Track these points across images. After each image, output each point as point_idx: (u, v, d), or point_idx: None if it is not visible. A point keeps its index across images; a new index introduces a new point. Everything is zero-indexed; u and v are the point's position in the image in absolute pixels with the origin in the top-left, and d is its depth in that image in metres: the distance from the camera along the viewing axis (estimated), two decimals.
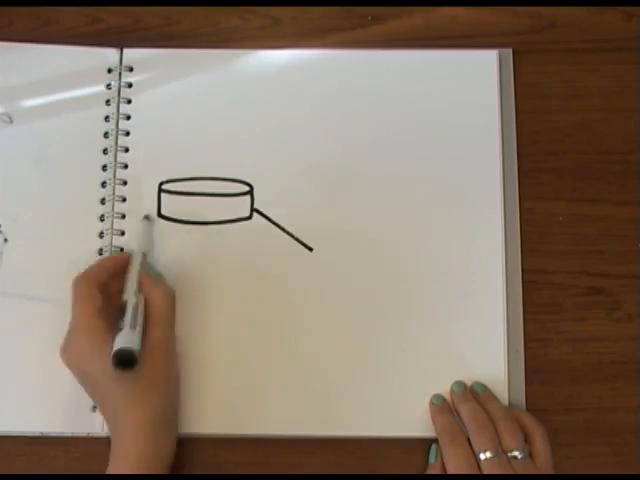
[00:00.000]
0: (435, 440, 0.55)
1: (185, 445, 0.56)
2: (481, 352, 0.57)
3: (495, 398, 0.55)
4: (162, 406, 0.51)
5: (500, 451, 0.52)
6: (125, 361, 0.49)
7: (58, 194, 0.59)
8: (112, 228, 0.59)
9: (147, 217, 0.58)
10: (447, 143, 0.60)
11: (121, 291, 0.54)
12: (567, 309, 0.59)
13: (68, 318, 0.56)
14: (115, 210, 0.59)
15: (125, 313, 0.52)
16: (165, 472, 0.51)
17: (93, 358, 0.51)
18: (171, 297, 0.55)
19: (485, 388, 0.56)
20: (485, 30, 0.63)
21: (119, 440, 0.51)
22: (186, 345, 0.57)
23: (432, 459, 0.55)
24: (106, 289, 0.54)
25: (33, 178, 0.60)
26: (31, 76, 0.62)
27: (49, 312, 0.57)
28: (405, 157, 0.60)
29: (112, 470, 0.50)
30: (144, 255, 0.56)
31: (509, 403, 0.56)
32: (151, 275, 0.55)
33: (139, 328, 0.51)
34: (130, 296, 0.53)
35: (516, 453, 0.52)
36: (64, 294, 0.57)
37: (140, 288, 0.54)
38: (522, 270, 0.59)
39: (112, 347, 0.49)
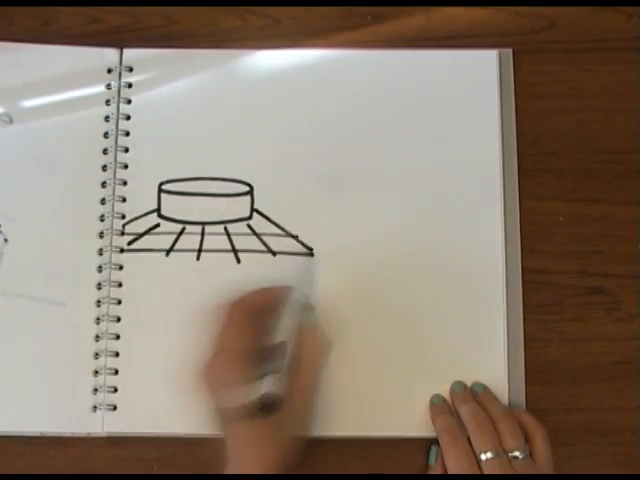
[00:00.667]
0: (435, 440, 0.55)
1: (186, 445, 0.56)
2: (481, 352, 0.57)
3: (495, 398, 0.55)
4: (287, 452, 0.49)
5: (501, 451, 0.52)
6: (266, 406, 0.48)
7: (58, 194, 0.59)
8: (112, 228, 0.59)
9: (311, 253, 0.57)
10: (447, 143, 0.60)
11: (274, 326, 0.52)
12: (567, 309, 0.59)
13: (68, 319, 0.57)
14: (115, 210, 0.59)
15: (278, 353, 0.50)
16: None
17: (236, 388, 0.48)
18: (328, 347, 0.53)
19: (485, 388, 0.56)
20: (485, 30, 0.63)
21: (236, 473, 0.49)
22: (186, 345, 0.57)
23: (432, 460, 0.55)
24: (259, 320, 0.51)
25: (33, 178, 0.60)
26: (31, 76, 0.62)
27: (49, 312, 0.57)
28: (405, 157, 0.60)
29: None
30: (306, 296, 0.55)
31: (509, 403, 0.56)
32: (311, 319, 0.53)
33: (284, 375, 0.50)
34: (289, 339, 0.51)
35: (517, 453, 0.52)
36: (64, 294, 0.58)
37: (298, 330, 0.52)
38: (522, 270, 0.59)
39: (259, 385, 0.48)
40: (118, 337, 0.57)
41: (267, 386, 0.49)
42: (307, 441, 0.52)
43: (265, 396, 0.48)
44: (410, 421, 0.56)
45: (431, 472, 0.54)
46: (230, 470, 0.49)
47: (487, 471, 0.51)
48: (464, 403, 0.54)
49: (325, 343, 0.53)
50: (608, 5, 0.63)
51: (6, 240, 0.59)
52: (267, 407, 0.48)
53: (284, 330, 0.52)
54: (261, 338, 0.51)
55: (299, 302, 0.54)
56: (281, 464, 0.49)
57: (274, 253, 0.59)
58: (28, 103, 0.61)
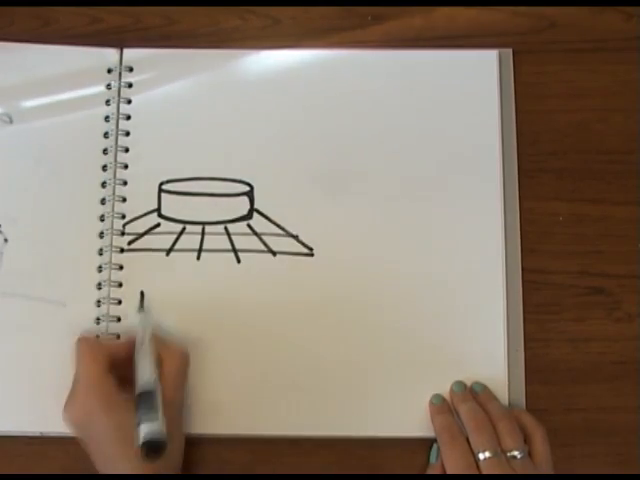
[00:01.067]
0: (435, 440, 0.55)
1: (186, 445, 0.56)
2: (481, 352, 0.57)
3: (495, 398, 0.55)
4: (164, 467, 0.50)
5: (499, 451, 0.52)
6: (154, 448, 0.48)
7: (58, 194, 0.59)
8: (112, 228, 0.59)
9: (142, 308, 0.57)
10: (447, 143, 0.60)
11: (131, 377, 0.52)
12: (567, 309, 0.59)
13: (68, 319, 0.57)
14: (115, 210, 0.59)
15: (143, 398, 0.50)
16: None
17: (100, 418, 0.50)
18: (186, 358, 0.54)
19: (485, 388, 0.56)
20: (485, 30, 0.63)
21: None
22: (187, 346, 0.57)
23: (433, 459, 0.55)
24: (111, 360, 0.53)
25: (33, 178, 0.60)
26: (31, 76, 0.62)
27: (49, 312, 0.57)
28: (405, 157, 0.60)
29: None
30: (150, 329, 0.55)
31: (509, 403, 0.56)
32: (162, 336, 0.55)
33: (161, 412, 0.49)
34: (146, 375, 0.51)
35: (515, 453, 0.52)
36: (64, 294, 0.58)
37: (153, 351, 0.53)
38: (522, 270, 0.59)
39: (139, 434, 0.48)
40: (118, 337, 0.57)
41: (147, 434, 0.48)
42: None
43: (147, 444, 0.47)
44: (410, 421, 0.56)
45: (431, 471, 0.54)
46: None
47: (485, 471, 0.51)
48: (463, 402, 0.54)
49: (181, 354, 0.54)
50: (608, 5, 0.63)
51: (6, 240, 0.59)
52: (151, 450, 0.48)
53: (147, 368, 0.51)
54: (121, 385, 0.52)
55: (149, 336, 0.54)
56: (161, 470, 0.50)
57: (274, 253, 0.59)
58: (28, 103, 0.61)
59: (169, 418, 0.50)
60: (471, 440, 0.52)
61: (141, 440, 0.48)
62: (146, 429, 0.48)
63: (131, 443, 0.48)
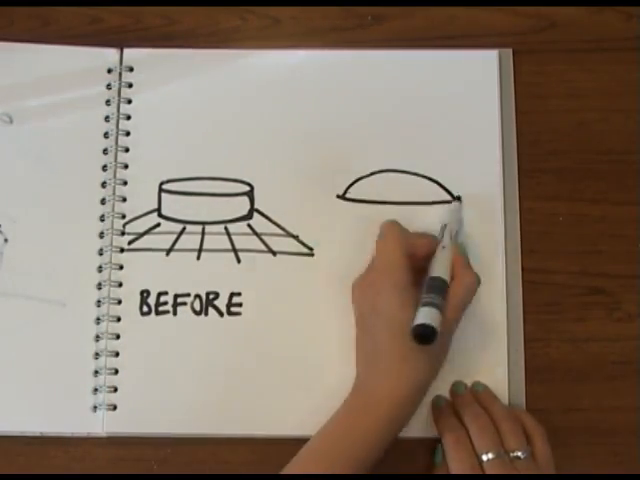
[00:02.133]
0: (439, 441, 0.55)
1: (186, 445, 0.56)
2: (481, 352, 0.57)
3: (496, 398, 0.55)
4: (422, 385, 0.52)
5: (502, 452, 0.52)
6: (424, 337, 0.49)
7: (58, 194, 0.59)
8: (112, 228, 0.59)
9: (459, 198, 0.59)
10: (447, 143, 0.60)
11: (424, 268, 0.54)
12: (567, 309, 0.59)
13: (68, 319, 0.57)
14: (115, 210, 0.59)
15: (434, 288, 0.52)
16: (391, 441, 0.52)
17: (388, 297, 0.52)
18: (477, 283, 0.55)
19: (485, 387, 0.56)
20: (485, 30, 0.63)
21: (369, 391, 0.52)
22: (186, 345, 0.57)
23: (438, 459, 0.55)
24: (413, 257, 0.54)
25: (33, 178, 0.60)
26: (31, 76, 0.62)
27: (49, 312, 0.57)
28: (405, 157, 0.60)
29: (357, 409, 0.52)
30: (455, 235, 0.56)
31: (509, 403, 0.56)
32: (463, 256, 0.55)
33: (442, 310, 0.51)
34: (442, 274, 0.53)
35: (518, 453, 0.52)
36: (64, 294, 0.58)
37: (450, 268, 0.54)
38: (522, 270, 0.59)
39: (415, 316, 0.49)
40: (118, 337, 0.57)
41: (425, 317, 0.49)
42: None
43: (424, 328, 0.49)
44: (411, 421, 0.56)
45: (437, 472, 0.54)
46: (362, 391, 0.52)
47: (489, 471, 0.51)
48: (465, 404, 0.55)
49: (474, 279, 0.54)
50: (608, 5, 0.63)
51: (6, 240, 0.59)
52: (424, 339, 0.49)
53: (442, 268, 0.53)
54: (414, 272, 0.53)
55: (452, 242, 0.55)
56: (419, 386, 0.52)
57: (274, 253, 0.59)
58: (28, 103, 0.61)
59: (442, 338, 0.51)
60: (474, 441, 0.52)
61: (419, 320, 0.49)
62: (427, 312, 0.49)
63: (406, 328, 0.50)
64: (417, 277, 0.54)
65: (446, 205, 0.59)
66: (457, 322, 0.54)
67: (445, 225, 0.57)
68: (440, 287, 0.52)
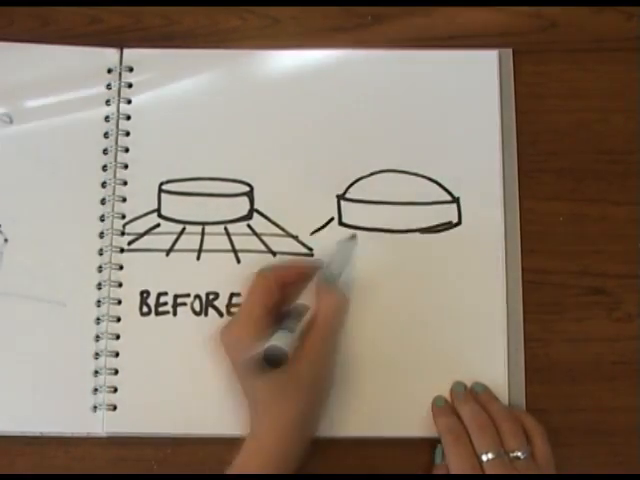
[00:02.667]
0: (437, 440, 0.55)
1: (186, 445, 0.56)
2: (481, 352, 0.57)
3: (496, 398, 0.55)
4: (302, 410, 0.51)
5: (502, 452, 0.52)
6: (273, 359, 0.49)
7: (58, 194, 0.59)
8: (112, 228, 0.59)
9: (354, 236, 0.58)
10: (447, 143, 0.60)
11: (297, 293, 0.54)
12: (567, 309, 0.59)
13: (68, 319, 0.57)
14: (115, 210, 0.59)
15: (291, 314, 0.52)
16: (290, 472, 0.51)
17: (248, 346, 0.51)
18: (343, 305, 0.54)
19: (486, 388, 0.56)
20: (485, 30, 0.63)
21: (255, 433, 0.51)
22: (186, 345, 0.57)
23: (438, 460, 0.55)
24: (284, 290, 0.54)
25: (33, 178, 0.60)
26: (31, 76, 0.62)
27: (49, 312, 0.57)
28: (405, 157, 0.60)
29: (240, 461, 0.51)
30: (326, 264, 0.56)
31: (509, 403, 0.56)
32: (328, 282, 0.54)
33: (298, 333, 0.50)
34: (305, 301, 0.53)
35: (518, 453, 0.52)
36: (64, 294, 0.58)
37: (315, 294, 0.53)
38: (522, 270, 0.59)
39: (267, 339, 0.49)
40: (118, 337, 0.57)
41: (274, 339, 0.49)
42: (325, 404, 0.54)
43: (271, 348, 0.49)
44: (410, 421, 0.56)
45: (436, 472, 0.54)
46: (252, 426, 0.52)
47: (489, 471, 0.51)
48: (465, 404, 0.54)
49: (338, 301, 0.54)
50: (608, 5, 0.63)
51: (6, 240, 0.59)
52: (274, 361, 0.49)
53: (305, 295, 0.53)
54: (282, 305, 0.53)
55: (326, 274, 0.55)
56: (296, 421, 0.51)
57: (274, 253, 0.59)
58: (28, 103, 0.61)
59: (309, 362, 0.51)
60: (474, 441, 0.52)
61: (267, 343, 0.49)
62: (277, 335, 0.49)
63: (269, 376, 0.49)
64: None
65: (339, 240, 0.58)
66: (328, 349, 0.53)
67: (329, 262, 0.56)
68: (299, 312, 0.52)
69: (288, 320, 0.51)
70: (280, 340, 0.49)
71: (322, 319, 0.52)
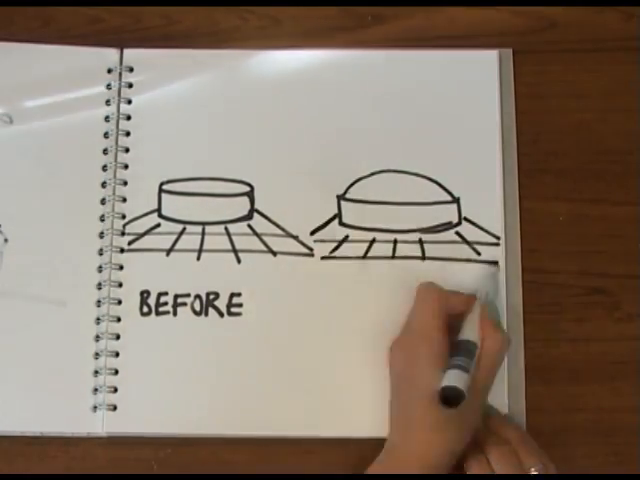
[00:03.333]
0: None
1: (186, 445, 0.56)
2: None
3: (506, 420, 0.55)
4: (454, 452, 0.51)
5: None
6: (450, 400, 0.48)
7: (58, 194, 0.59)
8: (112, 228, 0.59)
9: (496, 263, 0.58)
10: (447, 143, 0.60)
11: (457, 328, 0.53)
12: (567, 309, 0.59)
13: (68, 319, 0.57)
14: (115, 210, 0.59)
15: (463, 351, 0.51)
16: None
17: (424, 366, 0.51)
18: (507, 345, 0.53)
19: (496, 410, 0.55)
20: (485, 30, 0.63)
21: (402, 450, 0.51)
22: (186, 345, 0.57)
23: None
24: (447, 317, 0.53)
25: (33, 178, 0.60)
26: (31, 76, 0.62)
27: (49, 312, 0.57)
28: (405, 157, 0.60)
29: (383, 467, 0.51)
30: (488, 298, 0.55)
31: (509, 403, 0.56)
32: (492, 319, 0.54)
33: (471, 373, 0.50)
34: (472, 337, 0.52)
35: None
36: (64, 294, 0.58)
37: (479, 329, 0.52)
38: (522, 270, 0.59)
39: (443, 377, 0.49)
40: (118, 337, 0.57)
41: (451, 379, 0.49)
42: None
43: (449, 389, 0.49)
44: None
45: None
46: (394, 448, 0.51)
47: None
48: (495, 446, 0.53)
49: (504, 341, 0.53)
50: (608, 5, 0.63)
51: (6, 240, 0.59)
52: (450, 401, 0.49)
53: (471, 330, 0.53)
54: (448, 334, 0.52)
55: (483, 304, 0.54)
56: (452, 452, 0.50)
57: (274, 253, 0.59)
58: (28, 103, 0.61)
59: (474, 403, 0.50)
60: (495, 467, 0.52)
61: (445, 382, 0.49)
62: (454, 375, 0.49)
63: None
64: (450, 336, 0.53)
65: (482, 269, 0.58)
66: (488, 387, 0.53)
67: (482, 289, 0.56)
68: (470, 350, 0.51)
69: (459, 356, 0.50)
70: (458, 381, 0.48)
71: (489, 358, 0.52)
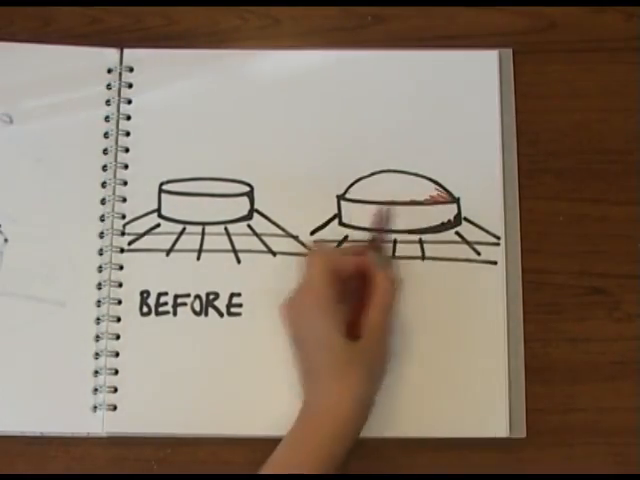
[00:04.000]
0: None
1: (186, 445, 0.56)
2: (481, 352, 0.57)
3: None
4: (363, 398, 0.52)
5: None
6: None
7: (58, 194, 0.59)
8: (112, 228, 0.59)
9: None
10: (447, 143, 0.60)
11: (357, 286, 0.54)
12: (567, 309, 0.59)
13: (68, 319, 0.57)
14: (115, 210, 0.59)
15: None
16: (344, 456, 0.51)
17: (313, 317, 0.52)
18: (396, 284, 0.55)
19: None
20: (485, 30, 0.63)
21: (312, 406, 0.51)
22: (186, 345, 0.57)
23: None
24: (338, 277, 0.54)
25: (33, 178, 0.60)
26: (31, 76, 0.62)
27: (49, 312, 0.57)
28: (405, 157, 0.60)
29: (302, 432, 0.51)
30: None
31: (509, 403, 0.56)
32: (382, 260, 0.55)
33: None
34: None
35: None
36: (64, 294, 0.58)
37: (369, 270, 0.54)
38: (522, 270, 0.59)
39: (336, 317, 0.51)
40: (118, 337, 0.57)
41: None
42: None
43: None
44: (410, 421, 0.56)
45: None
46: (307, 411, 0.51)
47: None
48: None
49: (393, 280, 0.54)
50: (608, 5, 0.63)
51: (6, 240, 0.59)
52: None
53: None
54: (339, 291, 0.53)
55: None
56: (363, 395, 0.51)
57: (274, 253, 0.59)
58: (28, 103, 0.61)
59: (374, 340, 0.52)
60: None
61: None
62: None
63: (335, 348, 0.51)
64: (348, 296, 0.54)
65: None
66: (383, 327, 0.53)
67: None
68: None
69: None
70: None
71: (380, 298, 0.53)
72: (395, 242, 0.59)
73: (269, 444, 0.56)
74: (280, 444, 0.51)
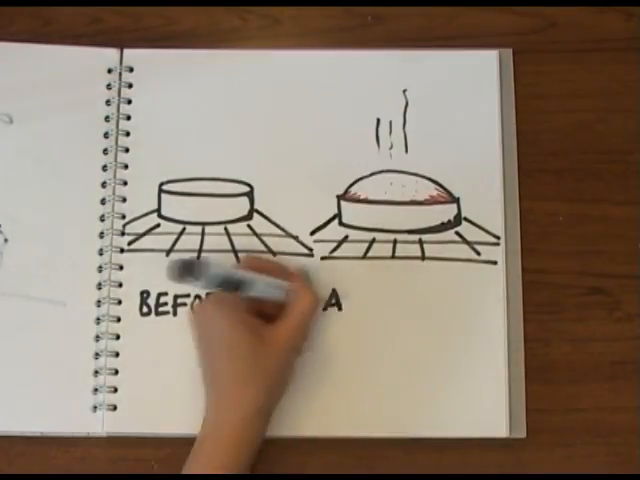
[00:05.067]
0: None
1: (186, 445, 0.56)
2: (481, 351, 0.57)
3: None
4: (262, 406, 0.52)
5: None
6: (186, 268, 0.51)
7: (58, 194, 0.59)
8: (112, 228, 0.59)
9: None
10: (447, 143, 0.60)
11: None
12: (567, 309, 0.59)
13: (68, 319, 0.57)
14: (115, 210, 0.59)
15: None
16: (249, 466, 0.52)
17: (219, 322, 0.52)
18: (317, 304, 0.55)
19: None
20: (485, 30, 0.63)
21: (216, 421, 0.52)
22: (186, 345, 0.57)
23: None
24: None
25: (33, 178, 0.60)
26: (31, 76, 0.62)
27: (49, 312, 0.57)
28: (405, 157, 0.60)
29: (203, 442, 0.52)
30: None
31: (509, 403, 0.56)
32: (305, 277, 0.56)
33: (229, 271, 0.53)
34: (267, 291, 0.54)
35: None
36: (64, 294, 0.58)
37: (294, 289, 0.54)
38: (522, 270, 0.59)
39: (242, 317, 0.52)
40: (118, 337, 0.57)
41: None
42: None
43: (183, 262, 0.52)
44: (409, 421, 0.56)
45: None
46: (208, 418, 0.52)
47: None
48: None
49: (315, 299, 0.54)
50: (608, 5, 0.63)
51: (6, 240, 0.59)
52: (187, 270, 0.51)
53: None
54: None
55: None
56: (261, 409, 0.52)
57: (274, 253, 0.59)
58: (28, 103, 0.61)
59: (276, 352, 0.52)
60: None
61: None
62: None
63: (239, 351, 0.51)
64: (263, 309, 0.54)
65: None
66: (298, 338, 0.54)
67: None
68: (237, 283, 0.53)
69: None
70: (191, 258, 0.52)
71: (298, 313, 0.53)
72: (395, 242, 0.59)
73: (269, 444, 0.56)
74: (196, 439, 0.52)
